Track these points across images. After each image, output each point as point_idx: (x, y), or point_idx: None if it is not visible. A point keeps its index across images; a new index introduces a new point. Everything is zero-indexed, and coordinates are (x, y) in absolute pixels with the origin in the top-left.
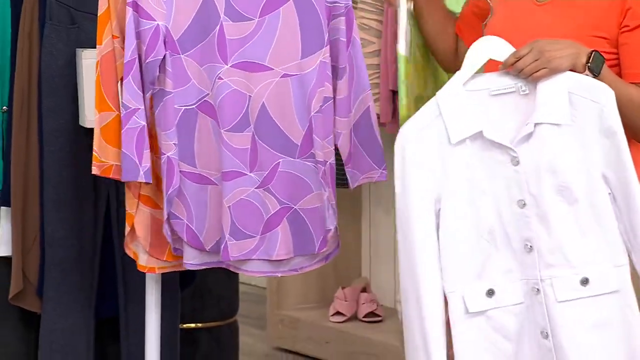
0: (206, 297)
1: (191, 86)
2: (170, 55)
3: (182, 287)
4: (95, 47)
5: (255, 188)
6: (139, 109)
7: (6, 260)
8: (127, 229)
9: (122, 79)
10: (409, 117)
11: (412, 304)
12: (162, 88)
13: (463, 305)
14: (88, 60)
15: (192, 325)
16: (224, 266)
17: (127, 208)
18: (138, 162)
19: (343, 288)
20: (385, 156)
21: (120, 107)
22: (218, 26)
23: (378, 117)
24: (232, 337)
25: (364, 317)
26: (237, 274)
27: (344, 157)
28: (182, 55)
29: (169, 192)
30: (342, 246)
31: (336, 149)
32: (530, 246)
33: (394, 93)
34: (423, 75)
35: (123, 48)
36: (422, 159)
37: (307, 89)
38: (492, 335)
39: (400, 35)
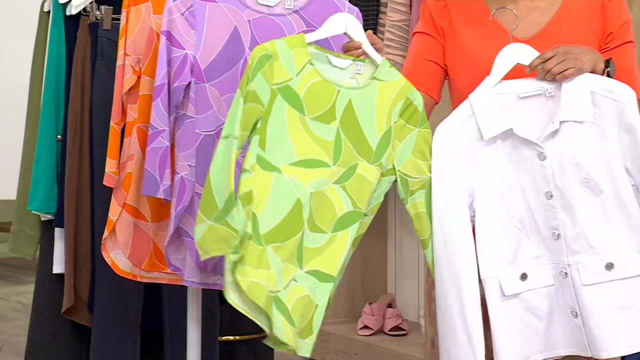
0: None
1: (212, 114)
2: (195, 83)
3: (221, 301)
4: None
5: None
6: (165, 130)
7: (61, 277)
8: (105, 234)
9: (128, 94)
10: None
11: (450, 291)
12: (184, 112)
13: (499, 289)
14: None
15: (231, 337)
16: (218, 288)
17: (110, 214)
18: (159, 180)
19: (370, 304)
20: None
21: (149, 127)
22: (242, 59)
23: None
24: (268, 349)
25: (389, 330)
26: None
27: None
28: (206, 84)
29: (177, 209)
30: (369, 264)
31: None
32: (558, 234)
33: None
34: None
35: (132, 66)
36: (457, 155)
37: None
38: (525, 316)
39: None
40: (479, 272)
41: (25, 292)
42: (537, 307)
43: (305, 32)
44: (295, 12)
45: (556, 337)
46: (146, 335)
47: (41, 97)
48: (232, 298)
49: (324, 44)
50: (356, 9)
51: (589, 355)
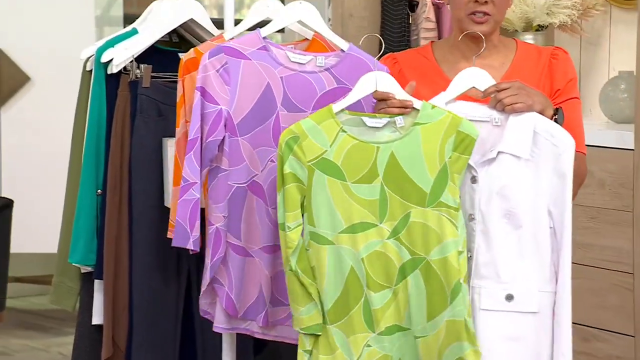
0: None
1: (244, 166)
2: (229, 137)
3: (255, 352)
4: None
5: None
6: (196, 183)
7: (100, 328)
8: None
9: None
10: None
11: None
12: (218, 165)
13: None
14: (172, 148)
15: None
16: (249, 333)
17: None
18: (189, 231)
19: None
20: None
21: (181, 180)
22: (274, 115)
23: None
24: None
25: None
26: None
27: None
28: (239, 138)
29: (213, 260)
30: None
31: None
32: (471, 256)
33: None
34: None
35: None
36: None
37: None
38: None
39: None
40: None
41: (65, 344)
42: None
43: (336, 89)
44: (327, 69)
45: None
46: None
47: (82, 152)
48: None
49: (356, 107)
50: (385, 67)
51: None
